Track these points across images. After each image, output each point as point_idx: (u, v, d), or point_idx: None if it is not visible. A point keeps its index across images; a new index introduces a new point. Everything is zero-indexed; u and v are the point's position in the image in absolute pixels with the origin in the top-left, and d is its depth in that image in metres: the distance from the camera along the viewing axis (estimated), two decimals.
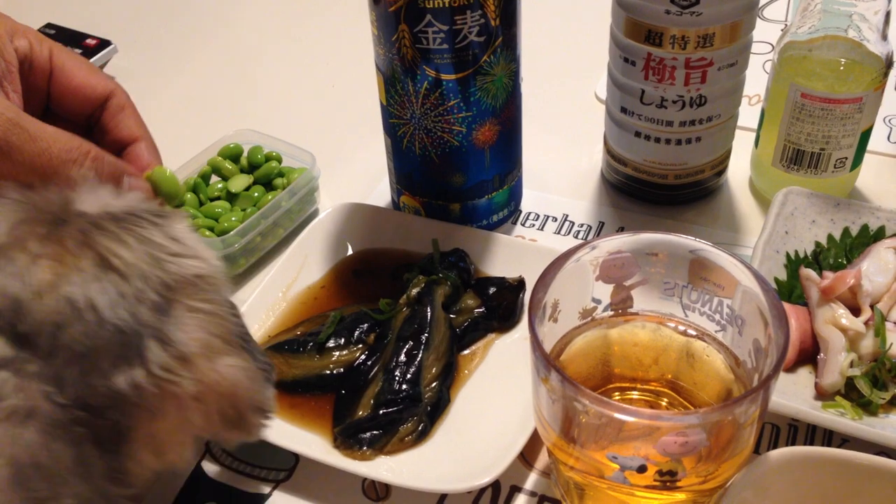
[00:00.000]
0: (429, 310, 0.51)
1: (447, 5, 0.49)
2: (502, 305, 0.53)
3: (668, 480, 0.38)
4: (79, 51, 0.80)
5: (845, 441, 0.47)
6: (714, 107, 0.57)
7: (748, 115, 0.64)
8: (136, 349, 0.32)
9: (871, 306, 0.49)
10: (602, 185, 0.65)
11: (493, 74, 0.54)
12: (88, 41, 0.81)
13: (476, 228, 0.58)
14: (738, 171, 0.64)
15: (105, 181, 0.38)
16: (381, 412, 0.47)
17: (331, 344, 0.51)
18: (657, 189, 0.62)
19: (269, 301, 0.54)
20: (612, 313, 0.45)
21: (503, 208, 0.60)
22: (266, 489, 0.47)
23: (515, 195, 0.61)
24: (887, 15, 0.55)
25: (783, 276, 0.53)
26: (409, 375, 0.49)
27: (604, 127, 0.63)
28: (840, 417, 0.45)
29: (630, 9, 0.54)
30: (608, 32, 0.58)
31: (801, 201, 0.56)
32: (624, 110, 0.59)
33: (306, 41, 0.85)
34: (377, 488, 0.46)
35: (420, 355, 0.49)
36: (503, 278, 0.54)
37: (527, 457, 0.47)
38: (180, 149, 0.64)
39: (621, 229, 0.61)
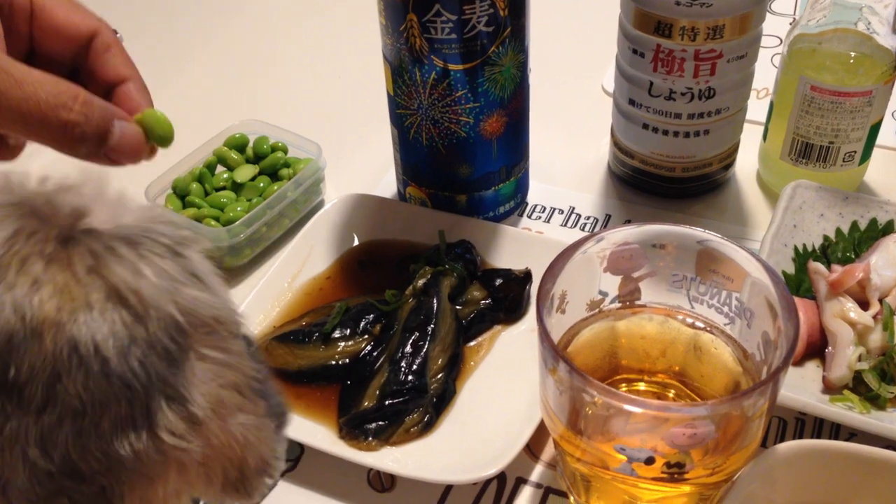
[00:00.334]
0: (435, 301, 0.51)
1: None
2: (509, 297, 0.53)
3: (675, 472, 0.37)
4: None
5: (853, 435, 0.46)
6: (723, 99, 0.57)
7: (756, 108, 0.63)
8: (145, 408, 0.28)
9: (880, 300, 0.49)
10: (609, 177, 0.65)
11: (501, 65, 0.53)
12: None
13: (482, 220, 0.58)
14: (746, 164, 0.64)
15: (95, 126, 0.36)
16: (386, 403, 0.47)
17: (336, 335, 0.51)
18: (664, 182, 0.61)
19: (274, 291, 0.54)
20: (619, 305, 0.45)
21: (510, 200, 0.60)
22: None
23: (522, 187, 0.61)
24: None
25: (791, 269, 0.53)
26: (414, 366, 0.48)
27: (611, 119, 0.63)
28: (848, 411, 0.45)
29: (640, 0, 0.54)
30: (616, 24, 0.58)
31: (809, 195, 0.56)
32: (632, 102, 0.59)
33: (313, 31, 0.85)
34: (382, 479, 0.46)
35: (426, 346, 0.49)
36: (509, 270, 0.54)
37: (533, 449, 0.47)
38: (186, 138, 0.64)
39: (628, 222, 0.61)
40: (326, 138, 0.63)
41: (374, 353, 0.50)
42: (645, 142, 0.60)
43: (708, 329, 0.44)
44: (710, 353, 0.44)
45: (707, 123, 0.58)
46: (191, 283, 0.30)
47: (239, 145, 0.63)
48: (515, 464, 0.45)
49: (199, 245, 0.32)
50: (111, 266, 0.28)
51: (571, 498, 0.45)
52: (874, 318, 0.48)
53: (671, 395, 0.44)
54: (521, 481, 0.46)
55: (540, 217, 0.62)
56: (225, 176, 0.62)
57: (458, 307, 0.52)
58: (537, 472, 0.46)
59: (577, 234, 0.60)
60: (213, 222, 0.58)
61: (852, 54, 0.56)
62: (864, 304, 0.49)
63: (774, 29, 0.77)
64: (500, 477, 0.46)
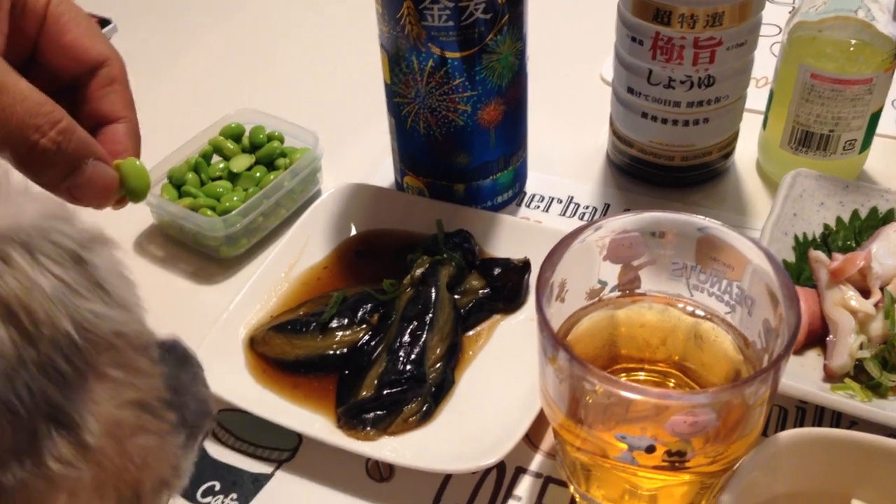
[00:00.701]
0: (433, 290, 0.51)
1: None
2: (507, 286, 0.52)
3: (676, 461, 0.37)
4: None
5: (854, 423, 0.46)
6: (722, 87, 0.57)
7: (755, 97, 0.63)
8: (30, 436, 0.25)
9: (881, 288, 0.49)
10: (608, 167, 0.65)
11: (498, 53, 0.53)
12: None
13: (481, 210, 0.58)
14: (745, 153, 0.64)
15: (68, 158, 0.34)
16: (384, 392, 0.47)
17: (334, 324, 0.50)
18: (663, 171, 0.61)
19: (271, 281, 0.54)
20: (619, 294, 0.45)
21: (508, 189, 0.60)
22: (269, 469, 0.46)
23: (520, 176, 0.61)
24: None
25: (791, 258, 0.53)
26: (413, 356, 0.48)
27: (609, 108, 0.63)
28: (849, 399, 0.44)
29: None
30: (614, 12, 0.57)
31: (809, 183, 0.56)
32: (631, 91, 0.58)
33: (310, 20, 0.84)
34: (381, 468, 0.46)
35: (424, 336, 0.49)
36: (508, 259, 0.54)
37: (532, 438, 0.47)
38: (182, 128, 0.63)
39: (627, 211, 0.60)
40: (323, 127, 0.63)
41: (372, 343, 0.49)
42: (644, 130, 0.60)
43: (708, 317, 0.44)
44: (711, 342, 0.44)
45: (706, 112, 0.58)
46: (92, 294, 0.27)
47: (235, 135, 0.63)
48: (515, 453, 0.45)
49: (106, 246, 0.29)
50: (2, 275, 0.25)
51: (571, 487, 0.44)
52: (875, 306, 0.48)
53: (671, 384, 0.44)
54: (520, 471, 0.46)
55: (538, 207, 0.61)
56: (221, 166, 0.61)
57: (456, 297, 0.52)
58: (537, 462, 0.46)
59: (575, 224, 0.59)
60: (209, 212, 0.57)
61: (853, 42, 0.55)
62: (865, 293, 0.49)
63: (773, 17, 0.76)
64: (500, 466, 0.46)
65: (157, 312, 0.45)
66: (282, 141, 0.63)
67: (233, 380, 0.48)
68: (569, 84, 0.73)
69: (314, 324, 0.50)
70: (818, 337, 0.49)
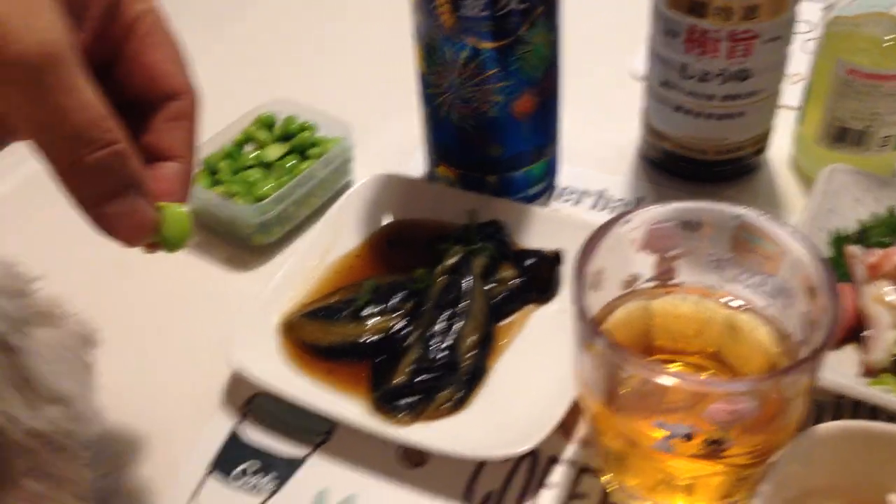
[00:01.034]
0: (466, 279, 0.51)
1: None
2: (540, 277, 0.52)
3: (714, 450, 0.37)
4: None
5: (891, 419, 0.46)
6: (757, 81, 0.56)
7: (788, 93, 0.62)
8: None
9: None
10: (640, 161, 0.64)
11: (532, 44, 0.53)
12: None
13: (513, 201, 0.58)
14: (779, 149, 0.63)
15: (110, 184, 0.30)
16: (418, 379, 0.47)
17: (366, 312, 0.50)
18: (696, 165, 0.61)
19: (303, 269, 0.54)
20: (654, 284, 0.45)
21: (540, 182, 0.60)
22: (304, 452, 0.46)
23: (552, 169, 0.61)
24: None
25: (827, 254, 0.53)
26: (446, 344, 0.48)
27: (642, 102, 0.63)
28: (887, 394, 0.44)
29: None
30: (646, 5, 0.57)
31: (845, 179, 0.55)
32: (664, 84, 0.58)
33: (343, 10, 0.84)
34: (414, 454, 0.46)
35: (458, 324, 0.49)
36: (541, 250, 0.54)
37: (566, 428, 0.47)
38: (215, 117, 0.63)
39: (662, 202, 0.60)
40: (356, 118, 0.63)
41: (405, 331, 0.50)
42: (677, 124, 0.59)
43: (744, 309, 0.44)
44: (747, 334, 0.44)
45: (741, 106, 0.58)
46: (12, 390, 0.23)
47: (268, 124, 0.63)
48: (548, 442, 0.45)
49: (54, 326, 0.26)
50: None
51: (605, 477, 0.44)
52: None
53: (706, 376, 0.44)
54: (553, 460, 0.46)
55: (569, 200, 0.61)
56: (254, 154, 0.62)
57: (488, 287, 0.52)
58: (570, 451, 0.46)
59: (607, 218, 0.59)
60: (242, 200, 0.58)
61: (889, 38, 0.55)
62: None
63: (805, 14, 0.76)
64: (533, 455, 0.46)
65: (189, 300, 0.44)
66: (314, 131, 0.63)
67: (266, 365, 0.48)
68: (599, 79, 0.73)
69: (347, 311, 0.50)
70: (853, 333, 0.49)
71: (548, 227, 0.56)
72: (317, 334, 0.50)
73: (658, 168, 0.63)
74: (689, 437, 0.37)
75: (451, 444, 0.44)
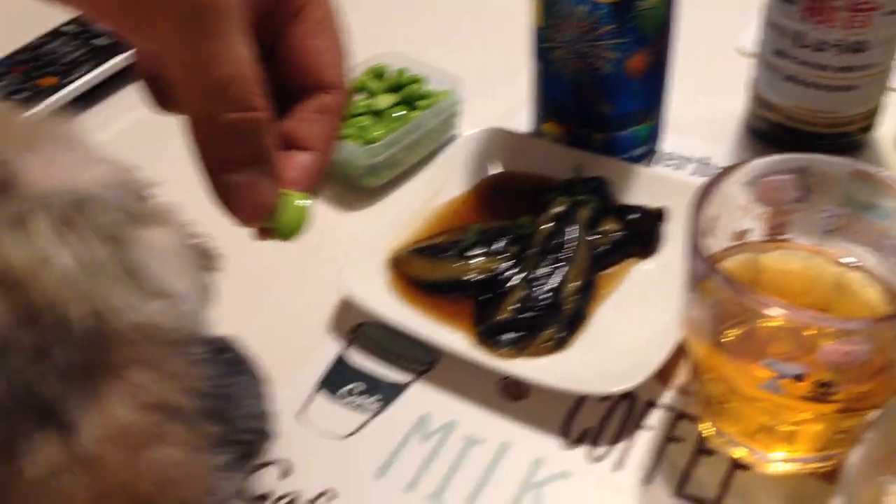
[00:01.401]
0: (571, 228, 0.52)
1: None
2: (643, 232, 0.53)
3: (823, 393, 0.37)
4: None
5: None
6: (873, 55, 0.56)
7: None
8: (8, 435, 0.22)
9: None
10: (744, 132, 0.65)
11: (651, 2, 0.54)
12: None
13: (617, 160, 0.59)
14: (888, 129, 0.63)
15: (238, 151, 0.29)
16: (522, 316, 0.48)
17: (472, 252, 0.52)
18: (802, 138, 0.61)
19: (411, 211, 0.56)
20: (764, 238, 0.45)
21: (644, 144, 0.60)
22: (408, 378, 0.48)
23: (657, 132, 0.61)
24: None
25: None
26: (550, 286, 0.49)
27: (752, 71, 0.63)
28: None
29: None
30: None
31: None
32: (777, 53, 0.58)
33: None
34: (514, 388, 0.47)
35: (562, 268, 0.50)
36: (645, 206, 0.54)
37: (663, 375, 0.47)
38: None
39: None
40: (465, 74, 0.64)
41: (509, 273, 0.51)
42: (788, 94, 0.59)
43: (855, 267, 0.44)
44: (856, 292, 0.44)
45: (854, 79, 0.57)
46: (118, 280, 0.23)
47: (379, 74, 0.65)
48: (646, 387, 0.46)
49: (164, 226, 0.26)
50: (9, 245, 0.22)
51: (704, 423, 0.45)
52: None
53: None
54: (650, 404, 0.47)
55: (671, 165, 0.62)
56: (364, 102, 0.64)
57: (592, 238, 0.53)
58: (668, 397, 0.47)
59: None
60: (353, 143, 0.60)
61: None
62: None
63: None
64: (630, 398, 0.47)
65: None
66: (424, 84, 0.65)
67: (374, 295, 0.50)
68: (706, 52, 0.73)
69: (453, 250, 0.52)
70: None
71: (650, 187, 0.56)
72: (423, 270, 0.52)
73: (763, 139, 0.63)
74: (799, 377, 0.37)
75: (552, 379, 0.45)
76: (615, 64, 0.55)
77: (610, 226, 0.54)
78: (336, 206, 0.60)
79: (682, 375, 0.48)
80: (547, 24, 0.56)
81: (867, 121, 0.61)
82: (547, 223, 0.53)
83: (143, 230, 0.25)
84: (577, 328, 0.49)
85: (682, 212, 0.53)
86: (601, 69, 0.55)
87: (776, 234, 0.45)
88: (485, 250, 0.52)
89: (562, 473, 0.44)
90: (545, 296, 0.49)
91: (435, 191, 0.57)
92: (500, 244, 0.52)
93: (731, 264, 0.45)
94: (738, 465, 0.44)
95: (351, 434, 0.46)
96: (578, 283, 0.50)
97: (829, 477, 0.42)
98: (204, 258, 0.29)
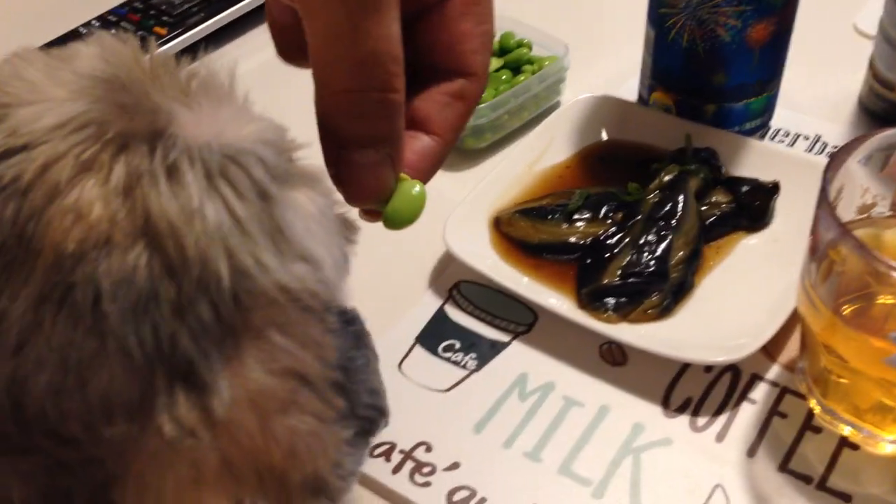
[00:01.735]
0: (680, 196, 0.51)
1: None
2: (754, 205, 0.52)
3: None
4: None
5: None
6: None
7: None
8: (145, 387, 0.21)
9: None
10: (859, 111, 0.62)
11: None
12: None
13: (729, 132, 0.57)
14: None
15: (365, 131, 0.28)
16: (627, 281, 0.47)
17: (577, 216, 0.51)
18: None
19: (514, 173, 0.56)
20: (890, 214, 0.44)
21: (757, 117, 0.59)
22: (506, 338, 0.48)
23: (771, 106, 0.60)
24: None
25: None
26: (657, 253, 0.49)
27: (865, 52, 0.60)
28: None
29: None
30: None
31: None
32: None
33: None
34: (616, 353, 0.47)
35: (669, 236, 0.49)
36: (757, 179, 0.53)
37: (770, 351, 0.46)
38: None
39: None
40: (572, 41, 0.63)
41: (614, 239, 0.50)
42: None
43: None
44: None
45: None
46: (266, 239, 0.23)
47: None
48: (751, 361, 0.45)
49: (314, 188, 0.25)
50: (162, 194, 0.21)
51: (811, 400, 0.44)
52: None
53: None
54: (756, 378, 0.46)
55: (783, 141, 0.60)
56: None
57: (701, 208, 0.52)
58: (774, 372, 0.46)
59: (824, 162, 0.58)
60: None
61: None
62: None
63: None
64: (734, 371, 0.46)
65: None
66: (530, 48, 0.64)
67: (477, 253, 0.50)
68: (824, 30, 0.71)
69: (559, 213, 0.52)
70: None
71: (762, 161, 0.55)
72: (527, 231, 0.51)
73: (878, 119, 0.61)
74: None
75: (656, 346, 0.45)
76: (735, 32, 0.54)
77: (719, 197, 0.53)
78: None
79: (788, 352, 0.46)
80: None
81: None
82: (655, 190, 0.52)
83: (292, 191, 0.24)
84: (683, 297, 0.48)
85: (794, 188, 0.52)
86: (720, 37, 0.54)
87: None
88: (590, 215, 0.52)
89: (663, 440, 0.43)
90: (651, 263, 0.48)
91: (538, 155, 0.57)
92: (606, 209, 0.52)
93: None
94: (846, 444, 0.42)
95: (449, 389, 0.46)
96: (685, 252, 0.49)
97: None
98: (346, 228, 0.28)
